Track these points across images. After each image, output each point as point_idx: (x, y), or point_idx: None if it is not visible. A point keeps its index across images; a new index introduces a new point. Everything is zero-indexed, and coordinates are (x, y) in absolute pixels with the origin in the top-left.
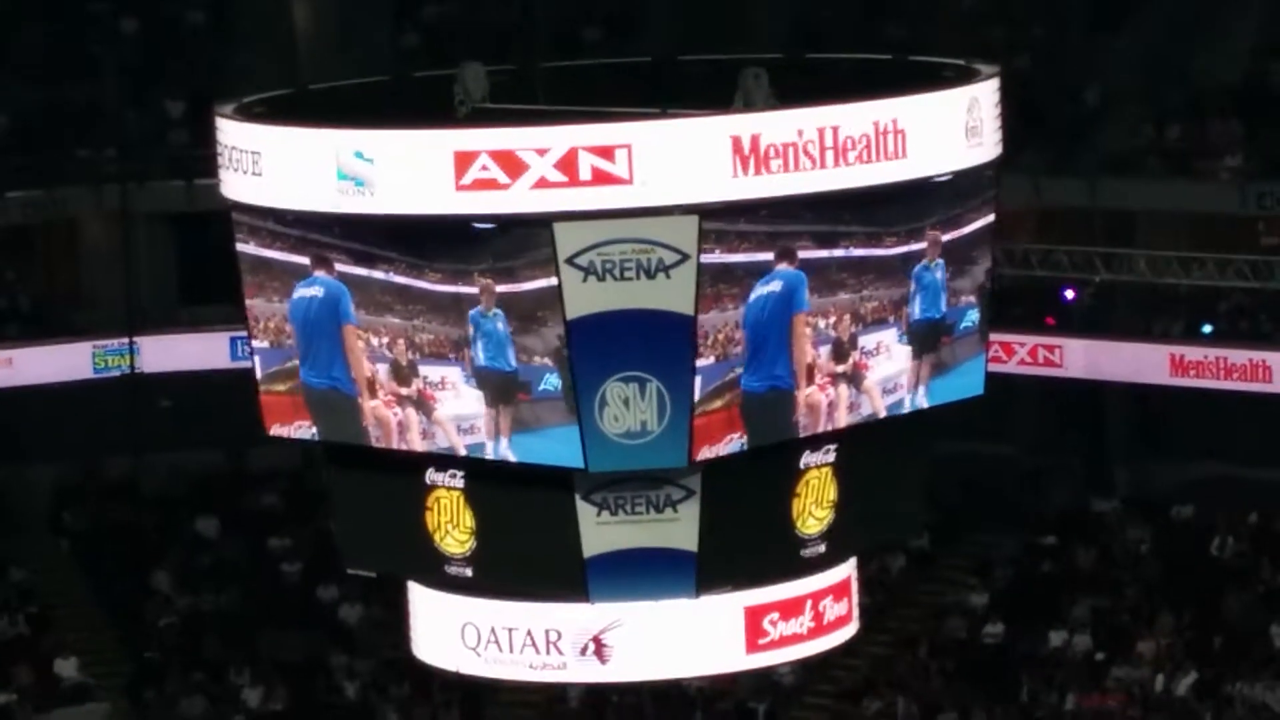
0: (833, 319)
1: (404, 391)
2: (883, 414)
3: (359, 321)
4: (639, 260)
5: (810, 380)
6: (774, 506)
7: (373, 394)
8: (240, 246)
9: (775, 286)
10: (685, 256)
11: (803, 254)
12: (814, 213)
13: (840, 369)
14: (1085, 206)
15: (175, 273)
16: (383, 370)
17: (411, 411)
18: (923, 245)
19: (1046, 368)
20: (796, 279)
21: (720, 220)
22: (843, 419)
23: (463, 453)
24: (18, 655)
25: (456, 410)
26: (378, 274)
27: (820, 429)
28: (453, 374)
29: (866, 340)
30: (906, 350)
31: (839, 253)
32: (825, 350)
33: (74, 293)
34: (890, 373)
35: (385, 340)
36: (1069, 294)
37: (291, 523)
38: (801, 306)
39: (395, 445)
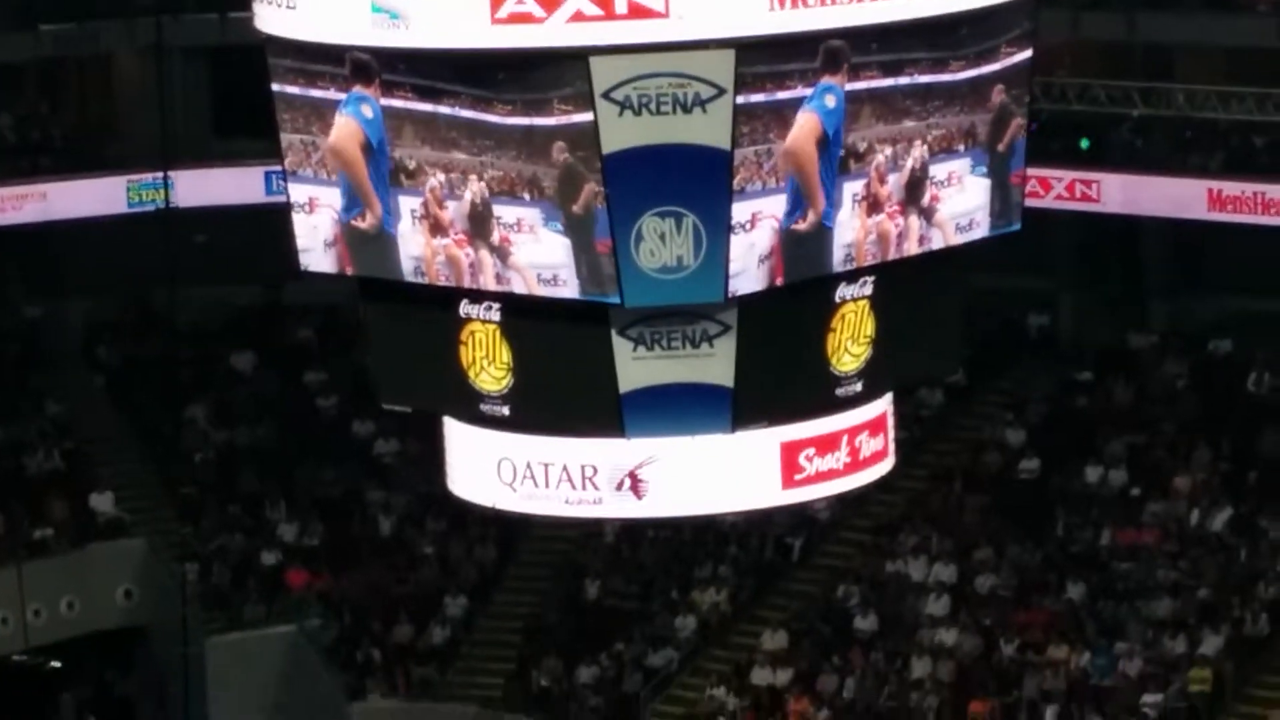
0: (900, 146)
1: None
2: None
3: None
4: (675, 94)
5: (878, 209)
6: (810, 341)
7: (441, 233)
8: (278, 87)
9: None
10: (721, 91)
11: (866, 83)
12: (876, 40)
13: (913, 201)
14: (1123, 40)
15: (209, 106)
16: (453, 209)
17: (485, 254)
18: (994, 68)
19: (1084, 202)
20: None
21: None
22: (913, 251)
23: None
24: (54, 490)
25: (536, 257)
26: (443, 109)
27: (889, 259)
28: (530, 215)
29: (937, 170)
30: (984, 183)
31: (903, 80)
32: (894, 179)
33: (108, 126)
34: (965, 207)
35: (454, 177)
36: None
37: (327, 357)
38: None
39: (465, 286)
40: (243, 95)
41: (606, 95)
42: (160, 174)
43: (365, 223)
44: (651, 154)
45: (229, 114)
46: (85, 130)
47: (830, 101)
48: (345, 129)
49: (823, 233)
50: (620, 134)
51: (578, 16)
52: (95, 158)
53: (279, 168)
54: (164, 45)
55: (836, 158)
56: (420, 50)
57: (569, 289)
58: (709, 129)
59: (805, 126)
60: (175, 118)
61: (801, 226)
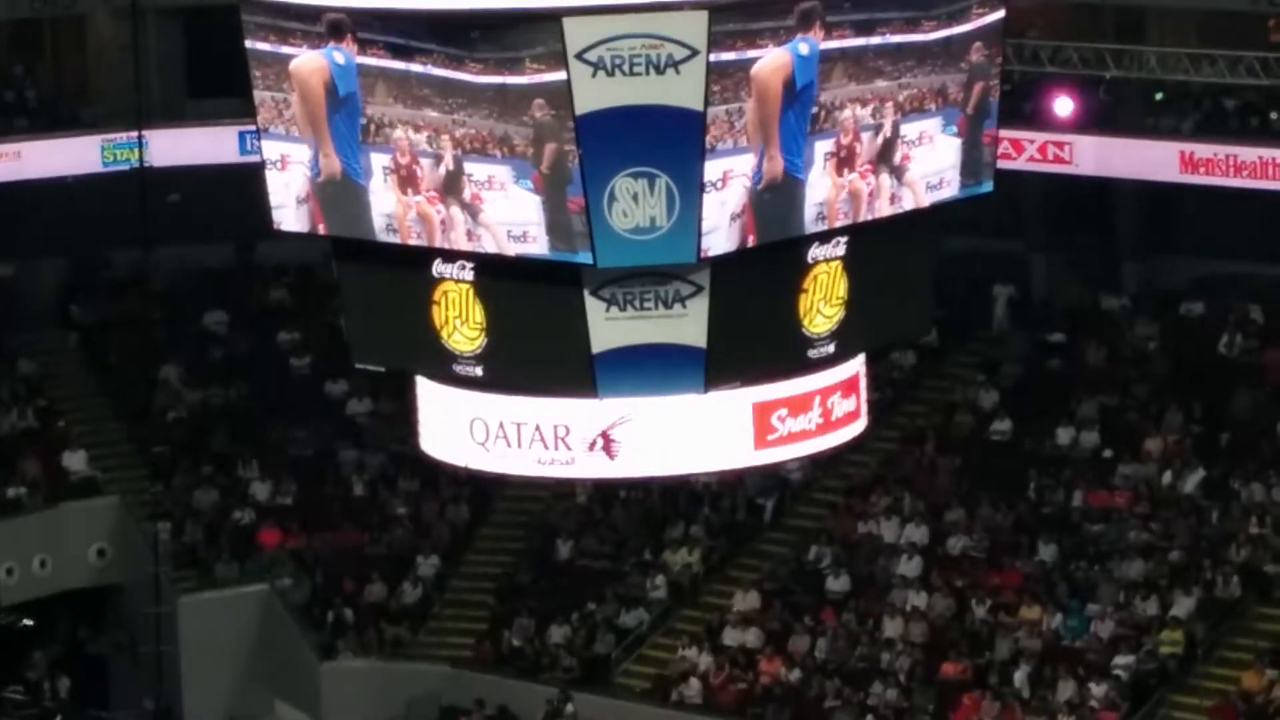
0: (872, 105)
1: (453, 196)
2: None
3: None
4: (648, 56)
5: (849, 168)
6: (782, 302)
7: (412, 190)
8: (251, 44)
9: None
10: (695, 52)
11: (838, 42)
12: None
13: (885, 160)
14: (1095, 2)
15: (184, 67)
16: (425, 166)
17: (456, 211)
18: (966, 28)
19: (1056, 165)
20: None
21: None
22: (884, 211)
23: None
24: (26, 448)
25: (506, 214)
26: (415, 67)
27: (861, 218)
28: (501, 173)
29: (908, 130)
30: (954, 142)
31: (875, 40)
32: (867, 137)
33: (83, 87)
34: (936, 166)
35: (426, 135)
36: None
37: (300, 317)
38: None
39: (437, 244)
40: (217, 56)
41: (580, 56)
42: (135, 134)
43: (324, 174)
44: (625, 115)
45: (204, 74)
46: (60, 90)
47: (804, 49)
48: (312, 61)
49: (794, 189)
50: (593, 95)
51: None
52: (70, 117)
53: (253, 127)
54: (139, 6)
55: (809, 114)
56: (395, 11)
57: (538, 246)
58: (682, 90)
59: (776, 58)
60: (150, 78)
61: (766, 182)
